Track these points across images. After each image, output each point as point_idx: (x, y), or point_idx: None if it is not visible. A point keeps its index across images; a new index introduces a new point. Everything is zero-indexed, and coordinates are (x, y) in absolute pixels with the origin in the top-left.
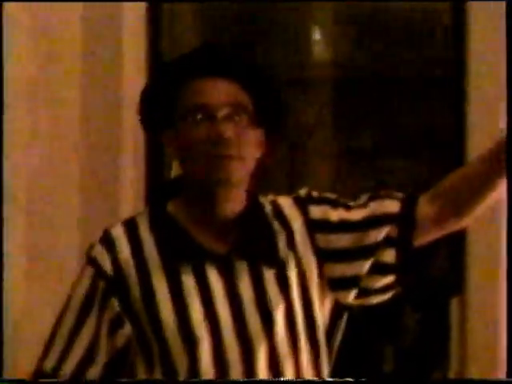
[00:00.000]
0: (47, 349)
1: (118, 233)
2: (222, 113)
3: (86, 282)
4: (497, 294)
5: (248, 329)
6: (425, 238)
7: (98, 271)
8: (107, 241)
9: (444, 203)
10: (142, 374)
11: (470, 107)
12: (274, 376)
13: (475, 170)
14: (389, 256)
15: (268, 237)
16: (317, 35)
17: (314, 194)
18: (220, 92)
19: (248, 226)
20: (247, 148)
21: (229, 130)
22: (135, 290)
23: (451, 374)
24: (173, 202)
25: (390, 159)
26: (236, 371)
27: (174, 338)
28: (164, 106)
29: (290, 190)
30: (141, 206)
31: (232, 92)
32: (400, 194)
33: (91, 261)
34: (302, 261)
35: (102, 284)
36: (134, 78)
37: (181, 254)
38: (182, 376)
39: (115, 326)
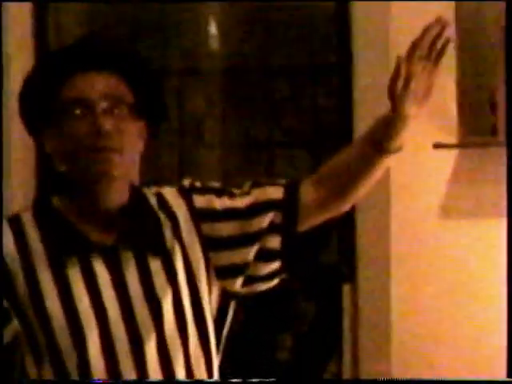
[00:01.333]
0: None
1: (4, 228)
2: (101, 106)
3: None
4: (387, 281)
5: (136, 320)
6: (309, 222)
7: None
8: None
9: (326, 186)
10: (31, 369)
11: (356, 93)
12: (164, 366)
13: (355, 152)
14: (273, 242)
15: (153, 227)
16: (211, 27)
17: (198, 183)
18: (98, 85)
19: (132, 217)
20: (128, 140)
21: (108, 123)
22: (21, 286)
23: (345, 361)
24: (58, 196)
25: (283, 149)
26: (126, 363)
27: (61, 331)
28: (42, 101)
29: (179, 180)
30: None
31: (111, 85)
32: (283, 181)
33: None
34: (188, 250)
35: None
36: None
37: (66, 246)
38: (70, 370)
39: (1, 321)
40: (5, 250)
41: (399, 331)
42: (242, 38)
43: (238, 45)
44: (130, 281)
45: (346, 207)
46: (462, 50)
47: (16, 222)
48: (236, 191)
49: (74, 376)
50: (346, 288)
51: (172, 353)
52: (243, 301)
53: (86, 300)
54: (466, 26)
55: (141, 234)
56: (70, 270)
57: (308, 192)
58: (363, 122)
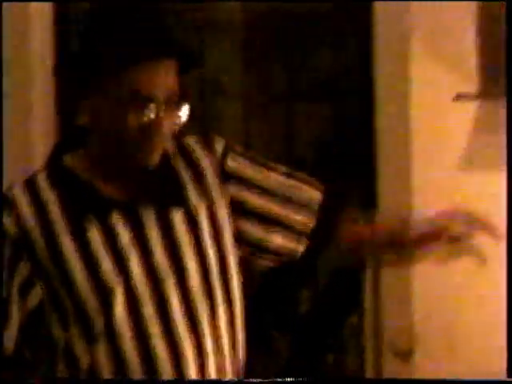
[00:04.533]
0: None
1: (18, 194)
2: (160, 101)
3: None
4: None
5: (159, 277)
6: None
7: (4, 236)
8: (7, 203)
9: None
10: (57, 332)
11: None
12: (189, 323)
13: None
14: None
15: (176, 183)
16: None
17: (237, 147)
18: (160, 80)
19: (155, 173)
20: (174, 126)
21: (165, 122)
22: (42, 250)
23: (366, 313)
24: (71, 155)
25: (303, 102)
26: (151, 323)
27: (86, 293)
28: (98, 72)
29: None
30: None
31: (170, 77)
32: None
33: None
34: (214, 206)
35: (7, 248)
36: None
37: (83, 206)
38: (97, 330)
39: (26, 287)
40: (22, 215)
41: (421, 284)
42: None
43: None
44: (152, 239)
45: None
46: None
47: (31, 185)
48: (273, 165)
49: (102, 336)
50: None
51: (197, 312)
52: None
53: (108, 259)
54: None
55: (162, 189)
56: (90, 230)
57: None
58: (383, 77)
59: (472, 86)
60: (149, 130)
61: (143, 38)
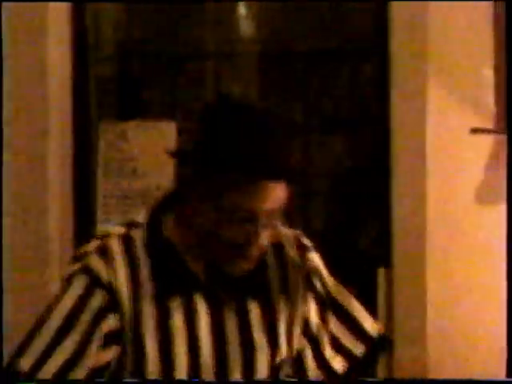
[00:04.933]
0: (24, 346)
1: (115, 247)
2: (264, 220)
3: (78, 289)
4: (422, 267)
5: (227, 365)
6: None
7: (95, 280)
8: (104, 253)
9: None
10: None
11: (393, 79)
12: None
13: None
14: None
15: (263, 277)
16: (243, 10)
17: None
18: (267, 201)
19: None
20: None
21: (266, 237)
22: (126, 313)
23: None
24: (169, 219)
25: (320, 134)
26: None
27: (153, 366)
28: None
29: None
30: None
31: (276, 197)
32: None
33: (86, 269)
34: (293, 306)
35: (99, 294)
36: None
37: (174, 283)
38: None
39: (110, 339)
40: (117, 270)
41: (434, 318)
42: (277, 21)
43: (274, 28)
44: (228, 325)
45: None
46: (498, 36)
47: (128, 243)
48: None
49: None
50: (381, 272)
51: None
52: None
53: (183, 346)
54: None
55: (248, 279)
56: (172, 304)
57: None
58: (399, 109)
59: (488, 121)
60: (245, 244)
61: (258, 158)
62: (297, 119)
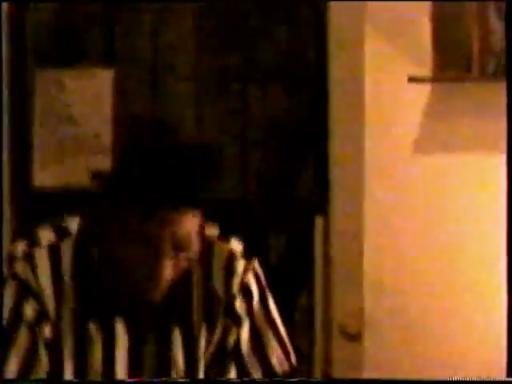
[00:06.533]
0: None
1: (43, 257)
2: (168, 249)
3: (11, 296)
4: (359, 214)
5: None
6: None
7: (25, 287)
8: (31, 262)
9: None
10: None
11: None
12: None
13: None
14: None
15: (184, 302)
16: None
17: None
18: (174, 230)
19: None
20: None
21: (168, 271)
22: (51, 327)
23: (317, 294)
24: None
25: (256, 84)
26: None
27: None
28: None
29: (152, 112)
30: None
31: (186, 226)
32: None
33: (14, 276)
34: (211, 336)
35: (31, 302)
36: None
37: (95, 308)
38: None
39: (49, 347)
40: (41, 279)
41: (371, 264)
42: None
43: None
44: (147, 353)
45: None
46: None
47: (55, 253)
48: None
49: None
50: (319, 220)
51: None
52: None
53: (99, 367)
54: None
55: (171, 304)
56: (92, 330)
57: None
58: (337, 56)
59: (426, 69)
60: (148, 273)
61: (169, 187)
62: (234, 68)
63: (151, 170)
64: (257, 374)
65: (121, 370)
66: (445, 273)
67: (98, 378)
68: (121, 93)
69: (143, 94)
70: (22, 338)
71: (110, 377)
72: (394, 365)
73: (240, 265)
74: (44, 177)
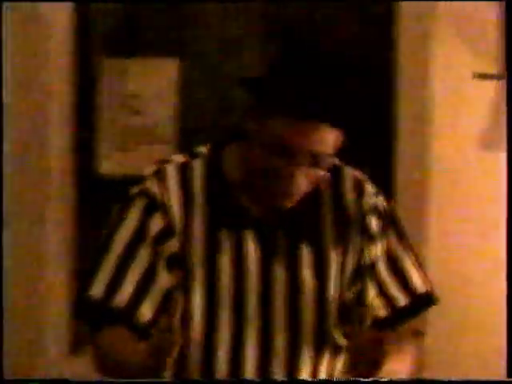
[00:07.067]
0: (92, 276)
1: (173, 174)
2: (303, 160)
3: (136, 212)
4: (425, 211)
5: (272, 311)
6: None
7: (153, 203)
8: (161, 178)
9: None
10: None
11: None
12: (288, 362)
13: None
14: None
15: (315, 223)
16: None
17: (380, 200)
18: (314, 140)
19: (297, 207)
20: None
21: (305, 177)
22: (179, 238)
23: None
24: (230, 154)
25: None
26: (250, 354)
27: (195, 304)
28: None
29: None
30: None
31: (326, 141)
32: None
33: (144, 193)
34: (345, 255)
35: (158, 217)
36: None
37: (225, 217)
38: (196, 345)
39: (172, 263)
40: (171, 196)
41: (434, 260)
42: None
43: None
44: (276, 265)
45: None
46: None
47: (185, 170)
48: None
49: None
50: None
51: (300, 352)
52: None
53: (228, 277)
54: None
55: (299, 222)
56: (221, 238)
57: None
58: (404, 55)
59: (493, 66)
60: (276, 178)
61: (312, 98)
62: None
63: (299, 80)
64: (396, 293)
65: (250, 285)
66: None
67: (226, 291)
68: (186, 83)
69: (207, 84)
70: (142, 256)
71: (239, 289)
72: None
73: (369, 187)
74: (108, 165)
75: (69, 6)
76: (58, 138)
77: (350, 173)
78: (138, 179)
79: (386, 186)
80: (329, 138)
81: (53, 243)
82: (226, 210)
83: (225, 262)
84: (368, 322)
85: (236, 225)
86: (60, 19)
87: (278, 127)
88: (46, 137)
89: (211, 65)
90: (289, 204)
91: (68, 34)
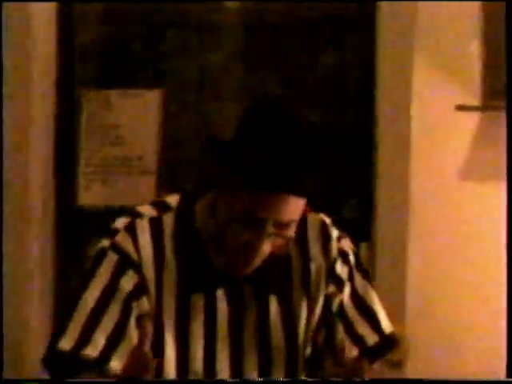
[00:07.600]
0: (63, 327)
1: (145, 229)
2: (271, 230)
3: (108, 268)
4: (404, 241)
5: (243, 366)
6: None
7: (125, 259)
8: (133, 233)
9: None
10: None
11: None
12: None
13: None
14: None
15: (285, 271)
16: None
17: (345, 243)
18: (282, 212)
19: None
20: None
21: (270, 247)
22: (151, 297)
23: None
24: (201, 207)
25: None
26: None
27: (171, 368)
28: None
29: (196, 133)
30: None
31: (293, 211)
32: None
33: (116, 248)
34: (314, 303)
35: (130, 274)
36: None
37: (197, 278)
38: None
39: (143, 322)
40: (143, 252)
41: (415, 293)
42: None
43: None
44: (247, 326)
45: None
46: (488, 13)
47: (157, 226)
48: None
49: None
50: (363, 246)
51: None
52: None
53: (200, 339)
54: None
55: (268, 272)
56: (194, 299)
57: None
58: (385, 86)
59: (474, 98)
60: (245, 249)
61: (281, 171)
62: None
63: (266, 149)
64: (365, 332)
65: (223, 345)
66: (489, 296)
67: (200, 350)
68: (167, 114)
69: (189, 115)
70: (114, 311)
71: (211, 349)
72: None
73: (334, 232)
74: (88, 196)
75: (52, 37)
76: (38, 169)
77: (315, 219)
78: (110, 231)
79: (366, 213)
80: (297, 206)
81: (32, 274)
82: (199, 270)
83: (197, 325)
84: (339, 361)
85: (208, 286)
86: (42, 49)
87: (246, 199)
88: (25, 166)
89: (193, 96)
90: (249, 271)
91: (50, 65)
